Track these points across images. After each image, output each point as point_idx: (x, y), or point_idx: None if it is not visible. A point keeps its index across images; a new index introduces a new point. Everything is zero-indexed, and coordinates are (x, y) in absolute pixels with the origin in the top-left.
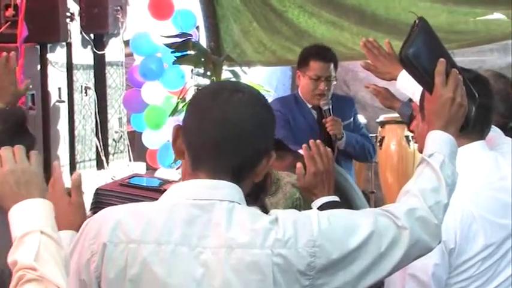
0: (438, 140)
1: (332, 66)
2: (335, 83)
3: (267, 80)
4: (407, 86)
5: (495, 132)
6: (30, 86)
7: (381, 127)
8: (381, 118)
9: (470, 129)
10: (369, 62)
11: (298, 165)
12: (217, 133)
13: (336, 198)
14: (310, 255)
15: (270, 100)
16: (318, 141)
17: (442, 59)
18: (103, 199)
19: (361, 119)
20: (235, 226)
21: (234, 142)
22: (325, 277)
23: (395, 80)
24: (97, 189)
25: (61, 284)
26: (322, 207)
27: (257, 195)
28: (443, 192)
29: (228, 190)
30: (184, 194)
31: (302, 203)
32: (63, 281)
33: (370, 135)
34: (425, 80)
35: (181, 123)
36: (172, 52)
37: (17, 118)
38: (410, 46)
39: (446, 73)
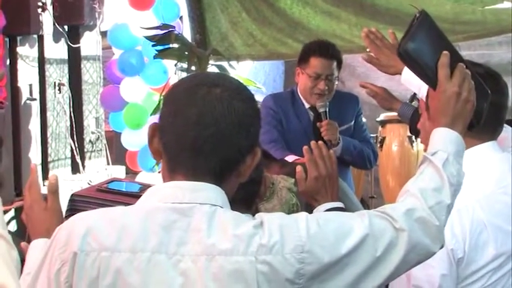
0: (442, 137)
1: (335, 64)
2: (337, 83)
3: (252, 76)
4: (412, 80)
5: (507, 132)
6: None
7: (382, 127)
8: (382, 117)
9: (480, 127)
10: (371, 54)
11: (299, 168)
12: (194, 132)
13: (341, 205)
14: (299, 262)
15: (262, 97)
16: (320, 142)
17: (445, 52)
18: (79, 205)
19: None
20: (217, 232)
21: (212, 141)
22: (316, 285)
23: (400, 73)
24: (72, 194)
25: (12, 286)
26: None
27: (251, 202)
28: (446, 192)
29: (209, 193)
30: (162, 197)
31: (300, 210)
32: (14, 282)
33: (371, 135)
34: (428, 76)
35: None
36: (153, 45)
37: None
38: (409, 40)
39: (451, 66)
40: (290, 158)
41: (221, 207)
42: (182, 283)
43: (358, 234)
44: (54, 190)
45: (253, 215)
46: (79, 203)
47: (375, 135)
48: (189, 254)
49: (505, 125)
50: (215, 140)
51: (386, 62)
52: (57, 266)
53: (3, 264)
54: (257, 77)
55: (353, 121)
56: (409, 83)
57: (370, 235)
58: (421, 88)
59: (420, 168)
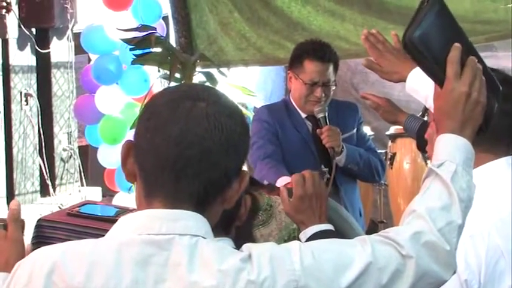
0: (449, 145)
1: (331, 68)
2: (334, 88)
3: (262, 84)
4: (418, 88)
5: None
6: None
7: (392, 141)
8: (392, 130)
9: (494, 141)
10: (371, 59)
11: (282, 188)
12: (175, 152)
13: (330, 227)
14: None
15: (256, 104)
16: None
17: (456, 44)
18: (46, 232)
19: (367, 131)
20: (199, 267)
21: (195, 163)
22: None
23: (404, 81)
24: (39, 219)
25: None
26: (312, 238)
27: (227, 225)
28: (457, 211)
29: (189, 222)
30: (136, 228)
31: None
32: None
33: (379, 151)
34: (435, 71)
35: (132, 139)
36: (131, 49)
37: None
38: (417, 28)
39: (461, 62)
40: (283, 181)
41: (203, 237)
42: None
43: (359, 264)
44: (15, 218)
45: (233, 240)
46: (46, 229)
47: (384, 151)
48: None
49: None
50: (199, 161)
51: (389, 68)
52: None
53: None
54: (266, 85)
55: (354, 129)
56: (415, 91)
57: (373, 264)
58: (428, 98)
59: (426, 183)
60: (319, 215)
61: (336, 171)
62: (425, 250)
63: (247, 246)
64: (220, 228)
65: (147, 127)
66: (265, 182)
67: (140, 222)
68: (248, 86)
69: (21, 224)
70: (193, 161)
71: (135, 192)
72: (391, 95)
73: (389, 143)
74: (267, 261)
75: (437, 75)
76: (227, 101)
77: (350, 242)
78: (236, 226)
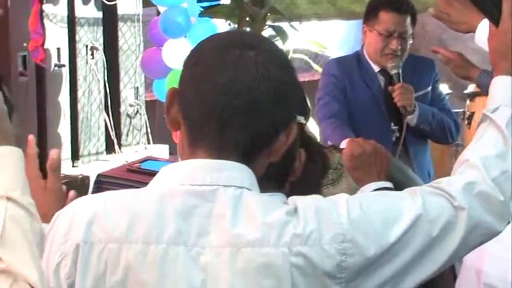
0: (504, 88)
1: (409, 19)
2: (411, 41)
3: (345, 40)
4: None
5: None
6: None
7: (470, 100)
8: (470, 88)
9: None
10: (440, 9)
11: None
12: (223, 100)
13: (389, 185)
14: (340, 253)
15: (328, 59)
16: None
17: None
18: (105, 187)
19: (444, 89)
20: (243, 219)
21: (243, 112)
22: (360, 278)
23: (474, 31)
24: (98, 175)
25: (33, 278)
26: None
27: (281, 180)
28: None
29: (235, 173)
30: (179, 178)
31: None
32: (36, 271)
33: (456, 110)
34: (489, 7)
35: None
36: (198, 1)
37: None
38: None
39: None
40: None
41: (248, 189)
42: (203, 279)
43: (409, 216)
44: (55, 167)
45: (287, 196)
46: (105, 185)
47: (461, 110)
48: (211, 245)
49: None
50: (247, 111)
51: (458, 17)
52: (57, 260)
53: (25, 246)
54: (348, 40)
55: (430, 87)
56: (484, 43)
57: (423, 215)
58: None
59: (479, 130)
60: (378, 172)
61: (406, 130)
62: (477, 201)
63: (292, 199)
64: (274, 183)
65: (193, 74)
66: (329, 143)
67: (183, 172)
68: (330, 41)
69: (60, 175)
70: (240, 111)
71: (178, 142)
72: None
73: (468, 102)
74: (313, 214)
75: (492, 13)
76: (277, 50)
77: (399, 194)
78: (290, 181)
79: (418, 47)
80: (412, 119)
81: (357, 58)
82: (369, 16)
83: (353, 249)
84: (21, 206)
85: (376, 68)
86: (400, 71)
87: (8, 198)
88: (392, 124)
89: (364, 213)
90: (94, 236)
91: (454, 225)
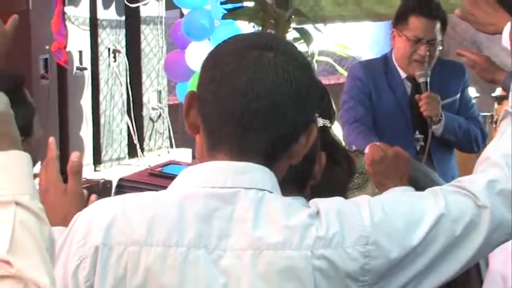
0: None
1: (438, 25)
2: (440, 48)
3: (375, 42)
4: None
5: None
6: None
7: (498, 103)
8: (498, 92)
9: None
10: (467, 10)
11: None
12: (242, 103)
13: (410, 189)
14: (363, 256)
15: (353, 62)
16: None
17: None
18: (127, 192)
19: (472, 92)
20: (265, 222)
21: (263, 115)
22: (383, 281)
23: (501, 33)
24: (120, 179)
25: (44, 283)
26: None
27: (301, 183)
28: None
29: (256, 175)
30: (199, 181)
31: None
32: (47, 276)
33: (484, 114)
34: None
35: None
36: (221, 3)
37: (8, 81)
38: None
39: None
40: None
41: (270, 192)
42: (224, 282)
43: (431, 217)
44: (76, 170)
45: (308, 200)
46: (128, 189)
47: (489, 113)
48: (232, 248)
49: None
50: (267, 114)
51: (484, 19)
52: (76, 263)
53: (36, 251)
54: (378, 42)
55: (458, 94)
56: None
57: (446, 215)
58: None
59: (501, 127)
60: (400, 177)
61: (431, 140)
62: (500, 199)
63: (314, 202)
64: (294, 186)
65: (212, 77)
66: (353, 147)
67: (204, 174)
68: (358, 43)
69: (81, 178)
70: (261, 114)
71: (197, 146)
72: None
73: (495, 106)
74: (335, 217)
75: None
76: (296, 51)
77: (422, 194)
78: (315, 185)
79: (448, 48)
80: (437, 129)
81: (385, 62)
82: (399, 20)
83: (376, 252)
84: (30, 211)
85: (403, 74)
86: (428, 80)
87: (17, 203)
88: (417, 132)
89: (387, 216)
90: (113, 239)
91: (477, 225)
